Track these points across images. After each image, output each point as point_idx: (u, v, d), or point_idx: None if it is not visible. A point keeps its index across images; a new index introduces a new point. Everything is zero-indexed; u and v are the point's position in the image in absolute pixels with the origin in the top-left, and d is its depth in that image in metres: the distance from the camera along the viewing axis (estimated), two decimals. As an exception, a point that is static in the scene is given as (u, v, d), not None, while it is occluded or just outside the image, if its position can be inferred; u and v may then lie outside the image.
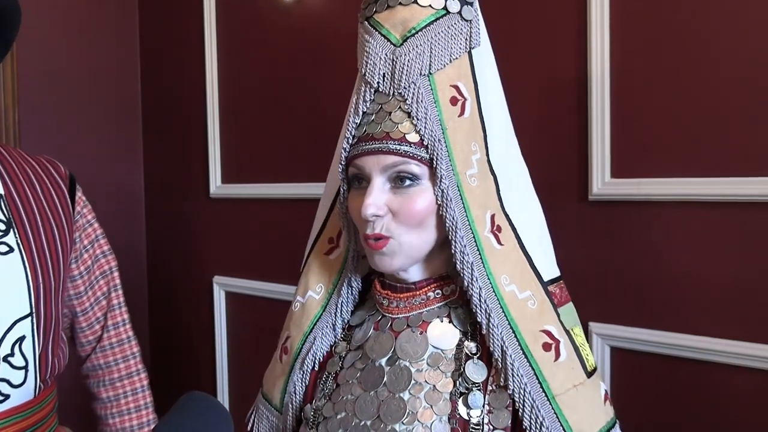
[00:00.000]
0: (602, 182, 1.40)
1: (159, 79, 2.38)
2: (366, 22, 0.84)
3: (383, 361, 0.84)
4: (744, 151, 1.25)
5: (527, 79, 1.50)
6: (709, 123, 1.28)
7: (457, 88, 0.81)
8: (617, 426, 0.85)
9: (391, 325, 0.86)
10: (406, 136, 0.78)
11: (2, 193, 1.10)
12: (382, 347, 0.85)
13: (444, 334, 0.83)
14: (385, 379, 0.82)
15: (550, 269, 0.86)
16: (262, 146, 2.06)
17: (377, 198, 0.79)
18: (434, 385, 0.80)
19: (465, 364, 0.81)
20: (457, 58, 0.81)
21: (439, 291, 0.86)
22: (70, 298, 1.23)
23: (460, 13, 0.81)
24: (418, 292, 0.86)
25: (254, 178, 2.09)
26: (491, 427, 0.78)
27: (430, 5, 0.81)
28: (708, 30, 1.28)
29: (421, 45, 0.79)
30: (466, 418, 0.78)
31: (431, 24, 0.80)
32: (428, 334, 0.84)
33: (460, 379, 0.80)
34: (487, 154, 0.84)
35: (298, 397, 0.92)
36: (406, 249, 0.81)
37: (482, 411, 0.78)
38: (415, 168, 0.79)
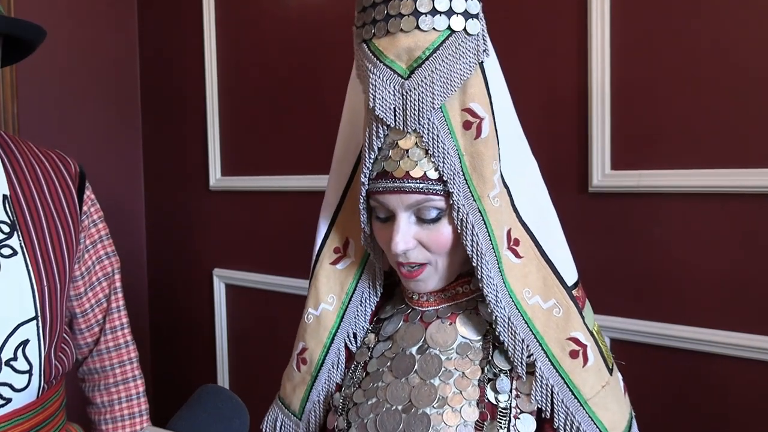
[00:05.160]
0: (602, 174, 1.40)
1: (158, 72, 2.37)
2: (365, 46, 0.80)
3: (414, 349, 0.87)
4: (744, 143, 1.25)
5: (528, 71, 1.49)
6: (710, 115, 1.29)
7: (469, 110, 0.78)
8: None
9: (421, 316, 0.89)
10: (426, 173, 0.78)
11: (8, 193, 1.07)
12: (412, 337, 0.88)
13: (472, 325, 0.86)
14: (416, 366, 0.85)
15: (571, 273, 0.86)
16: (262, 138, 2.06)
17: (405, 234, 0.81)
18: (463, 372, 0.83)
19: (492, 352, 0.83)
20: (468, 77, 0.77)
21: (467, 286, 0.88)
22: (69, 299, 1.20)
23: (465, 29, 0.76)
24: (447, 288, 0.88)
25: (254, 171, 2.09)
26: (519, 410, 0.81)
27: (433, 28, 0.75)
28: (709, 22, 1.27)
29: (430, 75, 0.76)
30: (494, 402, 0.81)
31: (438, 49, 0.76)
32: (457, 325, 0.86)
33: (488, 366, 0.83)
34: (500, 167, 0.83)
35: (322, 405, 0.94)
36: (441, 271, 0.85)
37: (509, 395, 0.81)
38: (439, 203, 0.79)
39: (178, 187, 2.32)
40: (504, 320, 0.81)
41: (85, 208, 1.20)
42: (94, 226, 1.22)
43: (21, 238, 1.06)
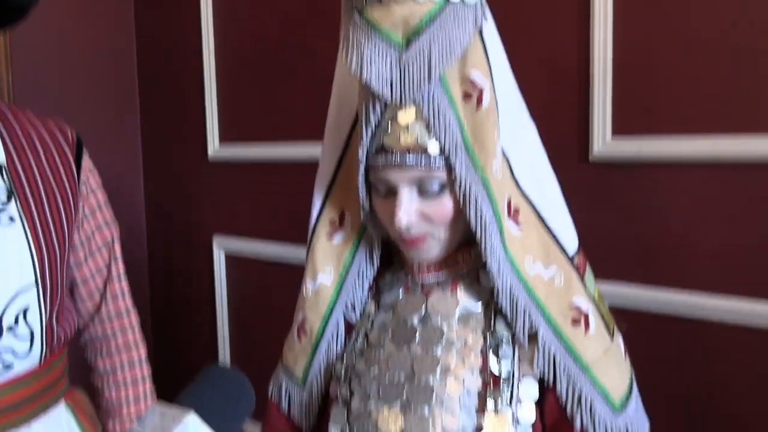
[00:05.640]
0: (603, 142, 1.39)
1: (155, 39, 2.34)
2: (357, 16, 0.76)
3: (415, 319, 0.87)
4: (747, 110, 1.25)
5: (529, 36, 1.47)
6: (712, 80, 1.27)
7: (469, 80, 0.76)
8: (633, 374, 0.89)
9: (422, 286, 0.89)
10: (428, 147, 0.77)
11: (4, 162, 1.07)
12: (413, 306, 0.87)
13: (473, 294, 0.86)
14: (417, 335, 0.85)
15: (572, 240, 0.86)
16: (261, 106, 2.04)
17: (408, 209, 0.79)
18: (465, 341, 0.83)
19: (495, 320, 0.83)
20: (466, 45, 0.75)
21: (468, 254, 0.87)
22: (70, 267, 1.20)
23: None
24: (448, 256, 0.87)
25: (253, 139, 2.07)
26: (521, 376, 0.81)
27: None
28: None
29: (427, 47, 0.73)
30: (497, 372, 0.81)
31: (435, 19, 0.73)
32: (458, 294, 0.86)
33: (489, 334, 0.83)
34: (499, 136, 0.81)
35: (323, 375, 0.95)
36: (443, 242, 0.84)
37: (512, 363, 0.81)
38: (442, 175, 0.78)
39: (177, 156, 2.31)
40: (506, 290, 0.81)
41: (83, 176, 1.19)
42: (92, 193, 1.22)
43: (19, 206, 1.06)
